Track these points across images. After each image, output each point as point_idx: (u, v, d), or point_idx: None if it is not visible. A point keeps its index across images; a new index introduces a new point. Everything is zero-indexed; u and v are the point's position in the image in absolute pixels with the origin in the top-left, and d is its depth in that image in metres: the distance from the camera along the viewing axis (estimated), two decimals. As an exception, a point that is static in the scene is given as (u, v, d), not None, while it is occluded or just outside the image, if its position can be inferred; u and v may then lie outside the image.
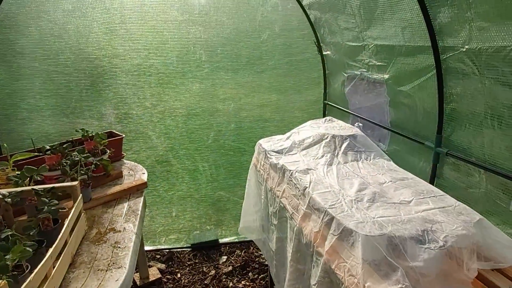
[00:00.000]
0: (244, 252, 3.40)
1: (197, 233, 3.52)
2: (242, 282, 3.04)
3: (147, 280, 2.97)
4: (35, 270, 1.28)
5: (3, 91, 2.71)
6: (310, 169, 2.16)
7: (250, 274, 3.13)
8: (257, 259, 3.30)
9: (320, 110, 3.49)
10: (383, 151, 2.41)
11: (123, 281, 1.53)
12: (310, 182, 2.00)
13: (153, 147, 3.28)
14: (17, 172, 1.92)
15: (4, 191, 1.69)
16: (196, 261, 3.30)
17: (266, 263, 3.14)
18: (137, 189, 2.34)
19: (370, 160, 2.27)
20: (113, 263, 1.64)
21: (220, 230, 3.57)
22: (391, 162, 2.26)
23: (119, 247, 1.77)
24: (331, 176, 2.06)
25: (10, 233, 1.50)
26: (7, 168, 1.98)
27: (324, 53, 3.29)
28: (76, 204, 1.76)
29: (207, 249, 3.45)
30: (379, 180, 1.99)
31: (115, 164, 2.66)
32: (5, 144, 2.06)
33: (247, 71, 3.28)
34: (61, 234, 1.54)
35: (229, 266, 3.21)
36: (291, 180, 2.14)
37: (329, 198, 1.82)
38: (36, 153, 2.18)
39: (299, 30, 3.23)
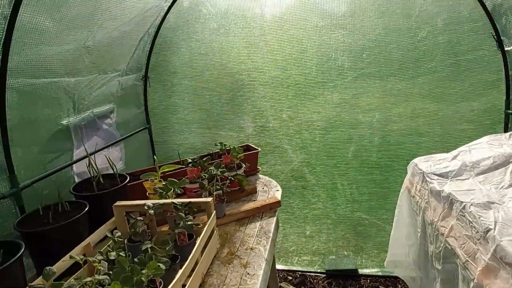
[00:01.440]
0: (389, 290, 2.88)
1: (332, 258, 3.18)
2: (387, 327, 2.55)
3: (279, 302, 2.80)
4: (163, 293, 1.21)
5: (160, 106, 3.04)
6: (493, 203, 1.58)
7: (396, 319, 2.60)
8: (406, 302, 2.74)
9: (500, 121, 2.69)
10: None
11: (249, 316, 1.35)
12: (496, 222, 1.44)
13: (288, 161, 3.13)
14: (163, 183, 2.01)
15: (150, 202, 1.75)
16: (331, 290, 2.96)
17: (419, 310, 2.56)
18: (270, 208, 2.19)
19: None
20: (241, 292, 1.49)
21: (359, 259, 3.14)
22: None
23: (248, 274, 1.61)
24: (530, 217, 1.44)
25: (149, 245, 1.52)
26: (155, 179, 2.10)
27: (506, 48, 2.52)
28: (209, 221, 1.70)
29: (344, 279, 3.06)
30: None
31: (250, 178, 2.60)
32: (154, 156, 2.22)
33: (398, 77, 2.80)
34: (192, 253, 1.48)
35: (370, 304, 2.76)
36: (464, 216, 1.61)
37: (532, 251, 1.24)
38: (180, 166, 2.28)
39: (469, 22, 2.57)
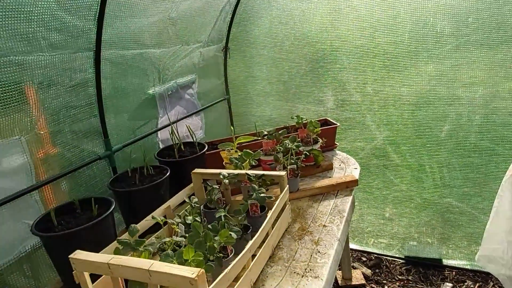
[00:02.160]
0: (478, 287, 2.58)
1: (413, 244, 2.95)
2: (472, 326, 2.31)
3: (350, 282, 2.73)
4: (233, 262, 1.24)
5: (239, 78, 3.06)
6: None
7: (485, 319, 2.34)
8: (499, 303, 2.43)
9: None
10: None
11: (317, 296, 1.32)
12: None
13: (370, 138, 2.92)
14: (238, 154, 2.05)
15: (225, 171, 1.80)
16: (410, 278, 2.77)
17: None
18: (347, 186, 2.08)
19: None
20: (310, 270, 1.46)
21: (445, 248, 2.86)
22: None
23: (319, 252, 1.57)
24: None
25: (223, 214, 1.56)
26: (231, 149, 2.14)
27: None
28: (282, 195, 1.69)
29: (425, 267, 2.84)
30: None
31: (327, 154, 2.50)
32: (231, 127, 2.25)
33: (512, 44, 2.35)
34: (263, 226, 1.48)
35: (454, 298, 2.52)
36: None
37: None
38: (256, 137, 2.28)
39: None
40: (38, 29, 1.42)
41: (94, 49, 1.72)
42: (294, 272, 1.45)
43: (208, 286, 1.07)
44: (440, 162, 2.77)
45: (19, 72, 1.41)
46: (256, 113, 3.09)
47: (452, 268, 2.80)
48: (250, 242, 1.37)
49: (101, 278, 1.28)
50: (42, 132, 1.57)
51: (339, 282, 2.72)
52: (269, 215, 1.55)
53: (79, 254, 1.18)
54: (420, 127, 2.75)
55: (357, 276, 2.76)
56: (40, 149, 1.57)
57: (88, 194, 1.75)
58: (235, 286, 1.23)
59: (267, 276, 1.44)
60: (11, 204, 1.43)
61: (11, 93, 1.41)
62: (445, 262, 2.84)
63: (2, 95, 1.37)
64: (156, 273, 1.05)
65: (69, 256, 1.17)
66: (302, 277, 1.42)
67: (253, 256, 1.39)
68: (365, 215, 3.08)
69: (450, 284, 2.63)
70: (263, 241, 1.49)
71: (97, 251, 1.23)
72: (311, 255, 1.55)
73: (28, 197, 1.51)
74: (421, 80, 2.66)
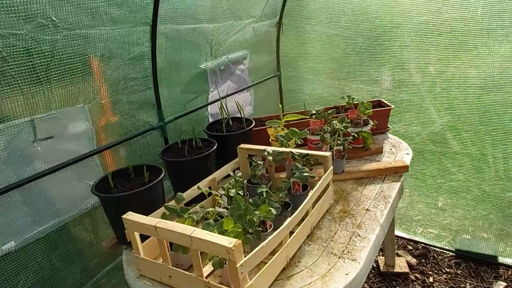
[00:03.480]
0: (537, 290, 2.39)
1: (466, 238, 2.78)
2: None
3: (392, 269, 2.66)
4: (270, 237, 1.27)
5: (291, 54, 2.99)
6: None
7: (541, 325, 2.17)
8: (559, 310, 2.23)
9: None
10: None
11: (353, 279, 1.32)
12: None
13: (427, 123, 2.74)
14: (285, 132, 2.05)
15: (270, 148, 1.81)
16: (458, 272, 2.63)
17: None
18: (395, 172, 2.00)
19: None
20: (348, 252, 1.45)
21: (503, 245, 2.66)
22: None
23: (358, 235, 1.55)
24: None
25: (265, 190, 1.60)
26: (278, 127, 2.15)
27: None
28: (325, 176, 1.67)
29: (477, 263, 2.68)
30: None
31: (377, 137, 2.40)
32: (279, 105, 2.24)
33: None
34: (303, 204, 1.49)
35: (506, 298, 2.36)
36: None
37: None
38: (304, 116, 2.26)
39: None
40: (100, 4, 1.51)
41: (151, 23, 1.79)
42: (331, 253, 1.45)
43: (244, 257, 1.12)
44: (506, 153, 2.53)
45: (84, 45, 1.53)
46: (307, 91, 3.03)
47: (508, 267, 2.60)
48: (289, 219, 1.39)
49: (149, 239, 1.40)
50: (103, 102, 1.70)
51: (381, 268, 2.68)
52: (310, 194, 1.55)
53: (131, 216, 1.29)
54: (487, 113, 2.52)
55: (401, 264, 2.69)
56: (101, 117, 1.71)
57: (141, 161, 1.88)
58: (271, 260, 1.26)
59: (303, 254, 1.46)
60: (75, 166, 1.60)
61: (77, 64, 1.53)
62: (501, 260, 2.65)
63: (69, 66, 1.50)
64: (197, 239, 1.12)
65: (122, 217, 1.29)
66: (339, 258, 1.42)
67: (291, 233, 1.42)
68: (415, 203, 2.95)
69: (504, 284, 2.46)
70: (302, 220, 1.50)
71: (147, 214, 1.33)
72: (351, 238, 1.53)
73: (90, 160, 1.67)
74: (492, 61, 2.40)
